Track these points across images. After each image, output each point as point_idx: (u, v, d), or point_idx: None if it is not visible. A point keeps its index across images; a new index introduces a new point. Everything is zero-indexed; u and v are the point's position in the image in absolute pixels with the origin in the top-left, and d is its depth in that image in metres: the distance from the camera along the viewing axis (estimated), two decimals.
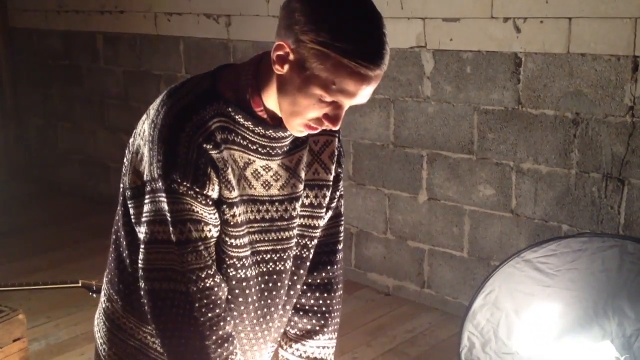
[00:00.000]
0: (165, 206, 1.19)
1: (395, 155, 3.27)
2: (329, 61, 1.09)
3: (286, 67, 1.14)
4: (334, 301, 1.46)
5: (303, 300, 1.44)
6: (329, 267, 1.44)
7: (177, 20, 4.15)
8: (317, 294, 1.45)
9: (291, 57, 1.13)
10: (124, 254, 1.32)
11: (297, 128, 1.20)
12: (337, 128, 1.18)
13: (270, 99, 1.21)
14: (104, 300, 1.39)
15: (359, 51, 1.08)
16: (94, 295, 2.37)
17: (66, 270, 3.68)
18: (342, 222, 1.48)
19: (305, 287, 1.44)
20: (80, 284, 2.39)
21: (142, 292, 1.24)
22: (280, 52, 1.14)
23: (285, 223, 1.33)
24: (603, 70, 2.54)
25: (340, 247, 1.47)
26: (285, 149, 1.28)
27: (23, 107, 5.47)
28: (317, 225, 1.39)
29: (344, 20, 1.09)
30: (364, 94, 1.13)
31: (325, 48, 1.08)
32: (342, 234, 1.48)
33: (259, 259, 1.32)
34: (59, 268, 3.72)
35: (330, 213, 1.43)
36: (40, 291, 2.76)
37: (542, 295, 2.11)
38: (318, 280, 1.44)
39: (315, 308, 1.44)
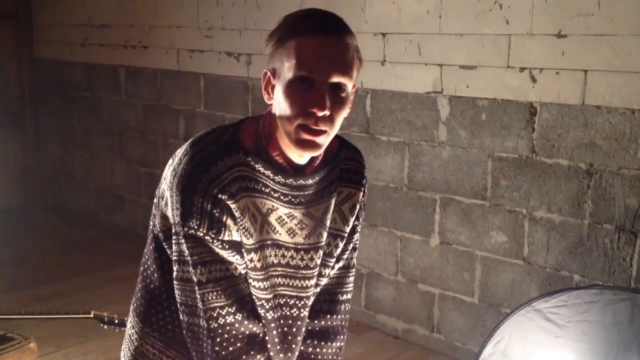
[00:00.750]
0: (185, 249, 1.25)
1: (408, 198, 3.29)
2: (286, 46, 1.18)
3: (270, 89, 1.23)
4: (329, 351, 1.44)
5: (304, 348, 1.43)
6: (327, 316, 1.43)
7: (198, 57, 4.24)
8: (314, 342, 1.43)
9: (271, 78, 1.23)
10: (152, 286, 1.38)
11: (298, 138, 1.20)
12: (325, 111, 1.17)
13: (284, 142, 1.25)
14: (130, 328, 1.44)
15: (303, 23, 1.19)
16: (106, 326, 2.39)
17: (78, 299, 3.71)
18: (352, 274, 1.48)
19: (307, 335, 1.43)
20: (92, 315, 2.41)
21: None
22: (264, 80, 1.25)
23: (309, 272, 1.36)
24: (618, 123, 2.57)
25: (343, 298, 1.46)
26: (309, 198, 1.30)
27: (43, 136, 5.57)
28: (324, 273, 1.40)
29: (290, 17, 1.22)
30: (328, 59, 1.17)
31: (278, 41, 1.19)
32: (349, 286, 1.47)
33: (282, 302, 1.35)
34: (72, 297, 3.75)
35: (340, 263, 1.44)
36: (51, 320, 2.78)
37: (553, 345, 2.10)
38: (317, 329, 1.43)
39: (311, 356, 1.42)
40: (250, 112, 3.93)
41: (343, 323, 1.46)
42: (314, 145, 1.21)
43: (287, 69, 1.18)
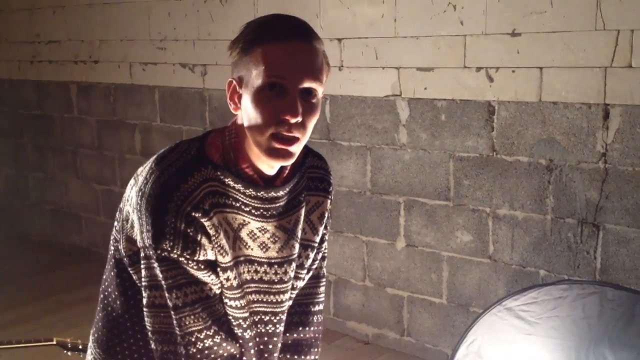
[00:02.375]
0: (158, 273, 1.18)
1: (372, 202, 3.28)
2: (254, 53, 1.14)
3: (236, 98, 1.19)
4: None
5: None
6: (300, 329, 1.40)
7: (152, 69, 4.16)
8: (287, 355, 1.40)
9: (237, 87, 1.19)
10: (115, 314, 1.31)
11: (270, 147, 1.16)
12: (297, 117, 1.14)
13: (253, 153, 1.21)
14: (91, 359, 1.37)
15: (270, 29, 1.16)
16: (69, 353, 2.30)
17: (38, 325, 3.58)
18: (323, 284, 1.45)
19: (281, 348, 1.40)
20: (54, 342, 2.32)
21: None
22: (229, 90, 1.21)
23: (283, 286, 1.32)
24: (575, 118, 2.61)
25: (316, 309, 1.43)
26: (280, 210, 1.26)
27: None
28: (297, 286, 1.37)
29: (253, 24, 1.19)
30: (299, 64, 1.14)
31: (245, 47, 1.16)
32: (320, 296, 1.44)
33: (256, 320, 1.31)
34: (31, 323, 3.62)
35: (310, 274, 1.41)
36: (12, 349, 2.67)
37: (525, 343, 2.11)
38: (289, 342, 1.40)
39: None
40: (207, 123, 3.87)
41: (317, 335, 1.43)
42: (287, 155, 1.17)
43: (256, 76, 1.14)
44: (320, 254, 1.41)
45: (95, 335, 1.35)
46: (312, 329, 1.41)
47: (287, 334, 1.39)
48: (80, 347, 2.37)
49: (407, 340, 3.25)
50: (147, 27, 4.12)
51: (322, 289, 1.44)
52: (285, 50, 1.14)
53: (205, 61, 3.83)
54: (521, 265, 2.83)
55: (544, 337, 2.08)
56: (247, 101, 1.16)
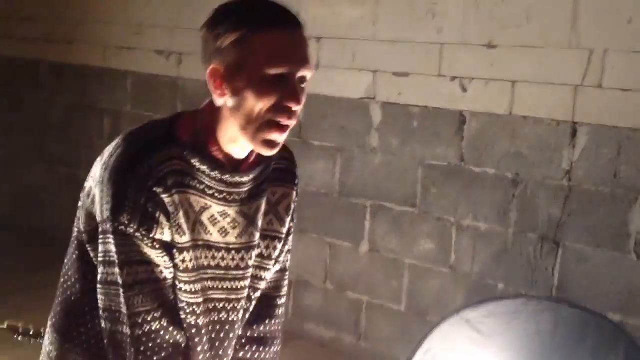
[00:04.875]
0: (113, 248, 1.17)
1: (339, 204, 3.26)
2: (252, 40, 1.13)
3: (226, 85, 1.16)
4: (268, 356, 1.41)
5: (237, 355, 1.39)
6: (267, 322, 1.41)
7: (126, 54, 4.09)
8: (253, 348, 1.40)
9: (224, 72, 1.16)
10: (74, 298, 1.29)
11: (264, 138, 1.17)
12: (300, 105, 1.17)
13: (226, 136, 1.21)
14: (48, 344, 1.34)
15: (269, 16, 1.15)
16: (20, 338, 2.23)
17: None
18: (287, 277, 1.45)
19: (246, 341, 1.39)
20: (5, 326, 2.25)
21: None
22: (214, 76, 1.17)
23: (240, 272, 1.31)
24: (543, 134, 2.62)
25: (280, 302, 1.44)
26: (243, 195, 1.26)
27: None
28: (263, 277, 1.36)
29: (242, 8, 1.18)
30: (300, 53, 1.16)
31: (243, 33, 1.13)
32: (284, 289, 1.45)
33: (210, 307, 1.29)
34: None
35: (277, 266, 1.41)
36: None
37: (479, 355, 2.10)
38: (255, 335, 1.40)
39: None
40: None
41: (279, 327, 1.44)
42: (277, 145, 1.20)
43: (256, 65, 1.13)
44: (287, 247, 1.42)
45: (53, 320, 1.33)
46: (277, 321, 1.43)
47: (254, 327, 1.39)
48: (31, 332, 2.31)
49: (363, 345, 3.24)
50: (124, 11, 4.05)
51: (286, 282, 1.45)
52: (287, 39, 1.15)
53: (181, 49, 3.78)
54: (480, 277, 2.83)
55: (498, 350, 2.09)
56: (242, 88, 1.15)
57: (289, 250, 1.44)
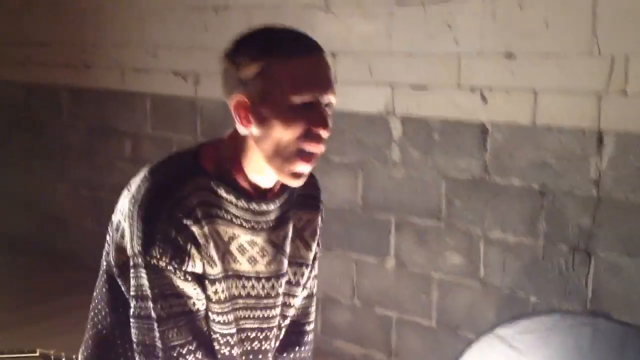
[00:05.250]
0: (146, 282, 1.17)
1: (362, 219, 3.24)
2: (275, 69, 1.13)
3: (251, 117, 1.16)
4: None
5: None
6: (297, 348, 1.40)
7: (144, 76, 4.11)
8: None
9: (249, 102, 1.15)
10: (105, 331, 1.29)
11: (292, 169, 1.17)
12: (328, 129, 1.16)
13: (251, 166, 1.20)
14: None
15: (290, 44, 1.15)
16: None
17: (21, 333, 3.51)
18: (314, 303, 1.45)
19: None
20: (38, 354, 2.26)
21: None
22: (239, 107, 1.17)
23: (271, 301, 1.31)
24: (569, 143, 2.57)
25: (309, 328, 1.43)
26: (271, 224, 1.26)
27: None
28: (292, 304, 1.36)
29: (262, 38, 1.18)
30: (324, 78, 1.17)
31: (266, 63, 1.13)
32: (312, 315, 1.44)
33: (243, 337, 1.29)
34: (12, 331, 3.55)
35: (304, 292, 1.40)
36: None
37: None
38: None
39: None
40: (198, 133, 3.82)
41: (309, 354, 1.44)
42: (304, 177, 1.20)
43: (282, 94, 1.14)
44: (314, 272, 1.42)
45: (85, 353, 1.34)
46: (306, 347, 1.42)
47: (284, 355, 1.39)
48: (63, 359, 2.32)
49: None
50: (140, 33, 4.07)
51: (314, 307, 1.45)
52: (310, 66, 1.15)
53: (198, 70, 3.78)
54: (512, 290, 2.78)
55: None
56: (269, 117, 1.15)
57: (315, 276, 1.43)
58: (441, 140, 2.93)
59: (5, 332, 3.51)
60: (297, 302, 1.38)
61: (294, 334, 1.40)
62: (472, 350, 2.22)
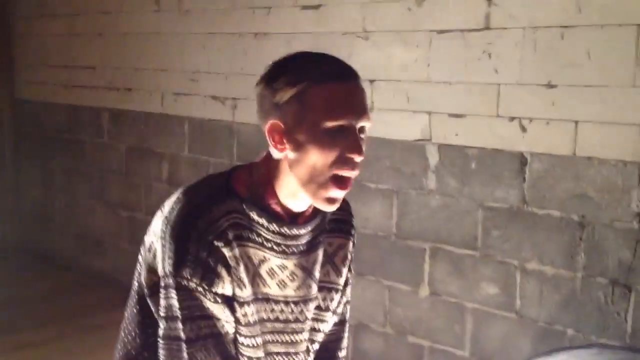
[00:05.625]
0: (176, 303, 1.18)
1: (396, 247, 3.22)
2: (311, 94, 1.14)
3: (286, 140, 1.17)
4: None
5: None
6: None
7: (183, 100, 4.19)
8: None
9: (284, 127, 1.16)
10: (134, 352, 1.30)
11: (326, 196, 1.17)
12: (362, 155, 1.17)
13: (285, 190, 1.21)
14: None
15: (325, 69, 1.16)
16: None
17: (59, 347, 3.58)
18: (347, 330, 1.45)
19: None
20: None
21: None
22: (274, 132, 1.18)
23: (300, 325, 1.31)
24: (609, 175, 2.53)
25: (341, 354, 1.43)
26: (302, 248, 1.26)
27: (23, 179, 5.45)
28: (321, 329, 1.36)
29: (298, 63, 1.19)
30: (359, 104, 1.18)
31: (301, 88, 1.14)
32: (345, 341, 1.44)
33: None
34: (49, 345, 3.62)
35: (335, 318, 1.40)
36: None
37: None
38: None
39: None
40: (235, 156, 3.86)
41: None
42: (338, 202, 1.21)
43: (317, 118, 1.15)
44: (345, 298, 1.41)
45: None
46: None
47: None
48: None
49: None
50: (181, 59, 4.16)
51: (347, 333, 1.45)
52: (345, 91, 1.16)
53: (236, 95, 3.84)
54: (548, 323, 2.73)
55: None
56: (303, 143, 1.16)
57: (347, 302, 1.43)
58: (478, 169, 2.91)
59: (40, 349, 3.57)
60: (326, 327, 1.37)
61: (329, 358, 1.40)
62: None
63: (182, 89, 4.17)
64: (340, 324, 1.42)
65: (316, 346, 1.37)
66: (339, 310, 1.40)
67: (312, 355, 1.36)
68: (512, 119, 2.78)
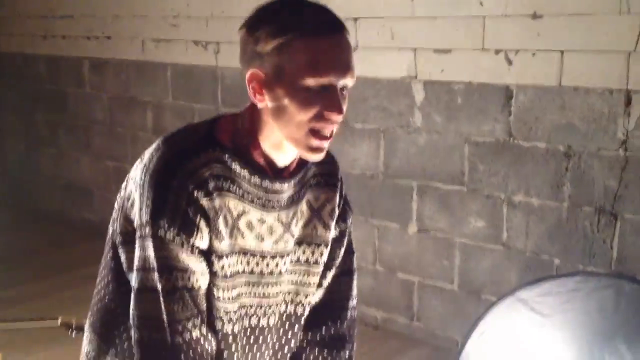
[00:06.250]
0: (152, 253, 1.15)
1: (384, 185, 3.23)
2: (294, 48, 1.09)
3: (265, 91, 1.13)
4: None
5: (306, 358, 1.38)
6: (338, 324, 1.39)
7: (164, 46, 4.11)
8: (324, 352, 1.38)
9: (263, 78, 1.13)
10: (107, 299, 1.28)
11: (308, 145, 1.15)
12: (341, 114, 1.14)
13: (269, 140, 1.18)
14: (87, 344, 1.35)
15: (309, 22, 1.11)
16: (73, 334, 2.28)
17: (47, 301, 3.58)
18: (354, 280, 1.43)
19: (312, 345, 1.38)
20: (59, 322, 2.30)
21: (133, 340, 1.20)
22: (254, 81, 1.14)
23: (274, 279, 1.29)
24: (595, 104, 2.53)
25: (351, 304, 1.42)
26: (282, 202, 1.24)
27: (5, 132, 5.38)
28: (311, 282, 1.35)
29: (283, 12, 1.13)
30: (342, 61, 1.12)
31: (284, 40, 1.09)
32: (353, 291, 1.42)
33: (242, 313, 1.27)
34: (39, 299, 3.62)
35: (334, 270, 1.38)
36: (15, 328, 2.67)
37: (537, 336, 2.06)
38: (326, 339, 1.38)
39: None
40: (219, 102, 3.82)
41: (351, 332, 1.42)
42: (322, 150, 1.17)
43: (298, 72, 1.10)
44: (343, 249, 1.39)
45: (90, 319, 1.34)
46: (348, 324, 1.41)
47: (324, 331, 1.38)
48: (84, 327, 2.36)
49: (416, 325, 3.22)
50: (160, 3, 4.06)
51: (355, 284, 1.43)
52: (329, 47, 1.11)
53: (218, 39, 3.77)
54: (535, 253, 2.77)
55: (557, 329, 2.04)
56: (284, 95, 1.12)
57: (350, 252, 1.41)
58: (464, 104, 2.90)
59: (32, 302, 3.58)
60: (316, 280, 1.35)
61: (333, 310, 1.39)
62: (493, 312, 2.21)
63: (162, 34, 4.09)
64: (346, 274, 1.40)
65: (310, 298, 1.35)
66: (337, 261, 1.38)
67: (306, 308, 1.36)
68: (497, 51, 2.76)
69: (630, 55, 2.41)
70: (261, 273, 1.27)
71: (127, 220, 1.21)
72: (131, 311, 1.18)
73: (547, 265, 2.73)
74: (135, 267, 1.18)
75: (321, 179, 1.32)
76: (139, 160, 1.24)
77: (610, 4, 2.43)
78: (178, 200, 1.13)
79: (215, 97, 3.86)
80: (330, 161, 1.34)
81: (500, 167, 2.83)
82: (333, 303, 1.39)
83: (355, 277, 1.44)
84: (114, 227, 1.26)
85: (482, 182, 2.89)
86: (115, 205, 1.28)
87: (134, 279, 1.19)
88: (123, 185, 1.28)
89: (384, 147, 3.21)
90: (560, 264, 2.70)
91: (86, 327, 1.36)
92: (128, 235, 1.21)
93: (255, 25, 1.14)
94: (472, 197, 2.94)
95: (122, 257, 1.23)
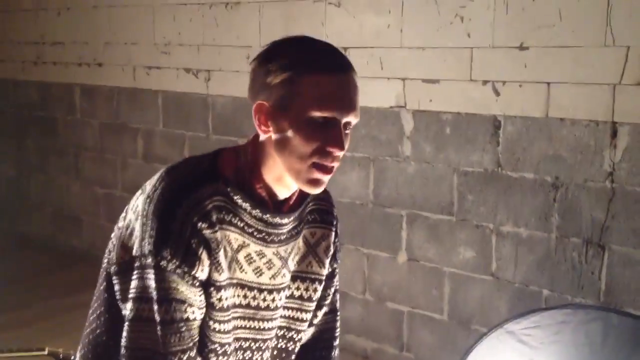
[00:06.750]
0: (152, 283, 1.15)
1: (374, 214, 3.23)
2: (302, 81, 1.12)
3: (271, 122, 1.15)
4: None
5: None
6: None
7: (156, 73, 4.13)
8: None
9: (270, 109, 1.15)
10: (99, 331, 1.27)
11: (309, 177, 1.16)
12: (343, 151, 1.15)
13: (271, 173, 1.20)
14: None
15: (319, 59, 1.14)
16: None
17: (34, 330, 3.54)
18: (338, 318, 1.45)
19: None
20: (46, 352, 2.27)
21: None
22: (260, 112, 1.16)
23: (269, 313, 1.30)
24: (582, 136, 2.55)
25: (336, 343, 1.44)
26: (282, 237, 1.25)
27: None
28: (304, 318, 1.36)
29: (295, 48, 1.17)
30: (347, 99, 1.15)
31: (293, 74, 1.12)
32: (338, 330, 1.44)
33: (236, 347, 1.27)
34: (27, 328, 3.58)
35: (325, 309, 1.40)
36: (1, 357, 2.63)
37: None
38: None
39: None
40: (210, 129, 3.83)
41: None
42: (323, 184, 1.19)
43: (303, 106, 1.13)
44: (333, 288, 1.41)
45: (82, 352, 1.32)
46: None
47: None
48: (72, 358, 2.32)
49: (406, 355, 3.19)
50: (151, 31, 4.09)
51: (339, 322, 1.45)
52: (337, 84, 1.14)
53: (209, 67, 3.79)
54: (524, 284, 2.77)
55: None
56: (287, 128, 1.15)
57: (336, 291, 1.42)
58: (453, 134, 2.91)
59: (19, 330, 3.53)
60: (308, 316, 1.36)
61: (320, 349, 1.41)
62: (482, 344, 2.20)
63: (153, 62, 4.11)
64: (332, 313, 1.42)
65: (301, 335, 1.36)
66: (327, 300, 1.40)
67: (297, 344, 1.36)
68: (485, 82, 2.78)
69: (616, 88, 2.44)
70: (257, 307, 1.27)
71: (124, 249, 1.21)
72: (122, 341, 1.18)
73: (536, 296, 2.72)
74: (131, 297, 1.18)
75: (317, 216, 1.34)
76: (139, 191, 1.24)
77: (595, 36, 2.46)
78: (182, 231, 1.13)
79: (206, 125, 3.86)
80: (326, 198, 1.37)
81: (488, 197, 2.84)
82: (322, 342, 1.41)
83: (339, 315, 1.46)
84: (109, 257, 1.26)
85: (471, 212, 2.90)
86: (112, 236, 1.28)
87: (128, 309, 1.18)
88: (122, 216, 1.28)
89: (374, 175, 3.21)
90: (548, 295, 2.69)
91: (77, 357, 1.34)
92: (124, 264, 1.20)
93: (267, 58, 1.17)
94: (461, 227, 2.94)
95: (116, 287, 1.22)
